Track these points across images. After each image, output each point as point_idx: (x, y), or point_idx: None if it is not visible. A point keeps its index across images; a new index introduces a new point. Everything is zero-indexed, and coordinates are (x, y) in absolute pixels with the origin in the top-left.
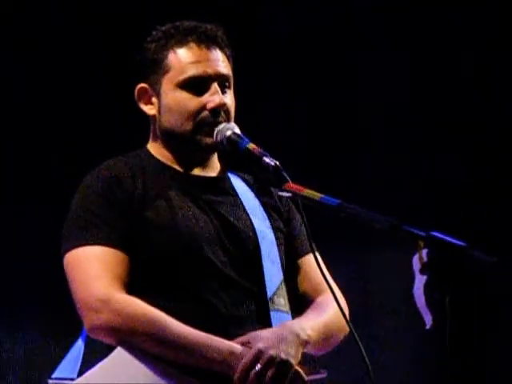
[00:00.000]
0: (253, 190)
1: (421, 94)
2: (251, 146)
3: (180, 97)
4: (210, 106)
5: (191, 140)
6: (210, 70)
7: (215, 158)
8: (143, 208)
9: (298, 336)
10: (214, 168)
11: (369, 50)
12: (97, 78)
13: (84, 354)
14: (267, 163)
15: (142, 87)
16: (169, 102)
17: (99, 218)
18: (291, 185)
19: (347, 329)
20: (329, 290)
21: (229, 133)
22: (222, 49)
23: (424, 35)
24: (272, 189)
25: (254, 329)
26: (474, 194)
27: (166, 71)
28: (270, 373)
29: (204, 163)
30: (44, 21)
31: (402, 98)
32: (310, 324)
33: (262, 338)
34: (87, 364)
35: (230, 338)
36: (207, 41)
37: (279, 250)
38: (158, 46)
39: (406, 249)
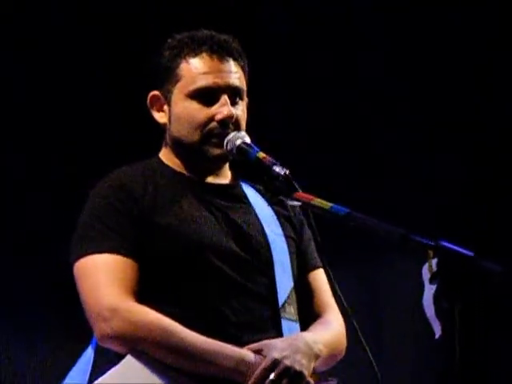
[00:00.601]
0: (265, 199)
1: (421, 93)
2: (261, 154)
3: (189, 107)
4: (218, 117)
5: (199, 150)
6: (220, 82)
7: (226, 166)
8: (153, 215)
9: (311, 348)
10: (225, 176)
11: (369, 50)
12: (97, 78)
13: (94, 361)
14: (277, 172)
15: (155, 95)
16: (178, 112)
17: (109, 227)
18: (301, 194)
19: (344, 350)
20: (335, 308)
21: (239, 142)
22: (235, 60)
23: (424, 35)
24: (283, 198)
25: (265, 337)
26: (474, 194)
27: (177, 80)
28: (284, 383)
29: (215, 172)
30: (44, 21)
31: (402, 97)
32: (322, 339)
33: (277, 347)
34: (97, 372)
35: (241, 345)
36: (220, 51)
37: (291, 259)
38: (171, 55)
39: (415, 258)
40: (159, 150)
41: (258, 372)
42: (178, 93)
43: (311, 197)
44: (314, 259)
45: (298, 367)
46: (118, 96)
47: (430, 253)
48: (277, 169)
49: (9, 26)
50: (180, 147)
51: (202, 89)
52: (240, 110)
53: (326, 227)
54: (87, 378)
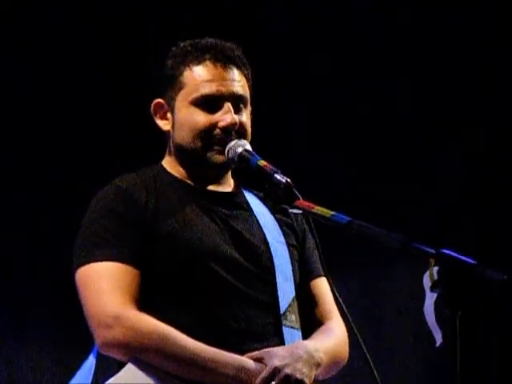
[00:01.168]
0: (268, 207)
1: (421, 93)
2: (262, 162)
3: (193, 114)
4: (221, 124)
5: (201, 157)
6: (223, 89)
7: (229, 174)
8: (155, 222)
9: (312, 357)
10: (227, 184)
11: (369, 50)
12: (97, 78)
13: (95, 369)
14: (278, 180)
15: (158, 102)
16: (181, 119)
17: (111, 234)
18: (302, 202)
19: (347, 358)
20: (337, 316)
21: (240, 149)
22: (239, 68)
23: (424, 35)
24: (284, 206)
25: (266, 344)
26: (474, 194)
27: (180, 88)
28: None
29: (217, 179)
30: (44, 21)
31: (402, 97)
32: (323, 347)
33: (278, 355)
34: (98, 380)
35: (242, 353)
36: (224, 59)
37: (293, 267)
38: (175, 62)
39: (416, 265)
40: (159, 150)
41: (258, 380)
42: (181, 100)
43: (312, 205)
44: (316, 267)
45: (298, 376)
46: (117, 96)
47: (432, 261)
48: (278, 177)
49: (9, 26)
50: (183, 154)
51: (206, 96)
52: (244, 118)
53: (327, 234)
54: None
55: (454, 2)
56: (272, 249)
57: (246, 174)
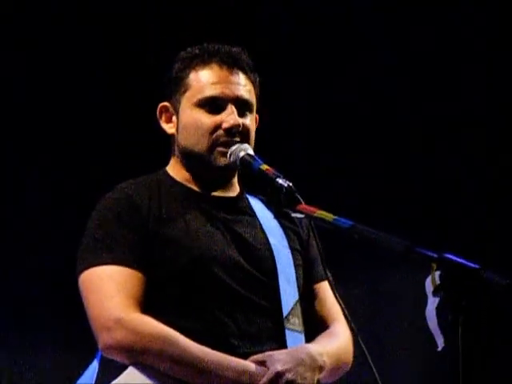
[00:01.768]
0: (271, 211)
1: (421, 93)
2: (264, 166)
3: (197, 115)
4: (224, 125)
5: (205, 159)
6: (228, 92)
7: (235, 180)
8: (159, 227)
9: (315, 360)
10: (233, 189)
11: (369, 50)
12: (97, 78)
13: (98, 373)
14: (280, 184)
15: (164, 105)
16: (186, 121)
17: (115, 238)
18: (304, 206)
19: (351, 362)
20: (341, 320)
21: (242, 154)
22: (245, 73)
23: (424, 35)
24: (286, 210)
25: (269, 348)
26: (473, 194)
27: (186, 90)
28: None
29: (222, 184)
30: (44, 21)
31: (402, 97)
32: (326, 350)
33: (279, 359)
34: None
35: (244, 356)
36: (230, 63)
37: (296, 270)
38: (181, 66)
39: (418, 269)
40: (159, 150)
41: None
42: (186, 102)
43: (314, 209)
44: (320, 271)
45: (300, 380)
46: (117, 96)
47: (434, 265)
48: (280, 181)
49: (9, 26)
50: (187, 157)
51: (210, 98)
52: (247, 121)
53: (331, 238)
54: None
55: (454, 2)
56: (275, 253)
57: (250, 178)
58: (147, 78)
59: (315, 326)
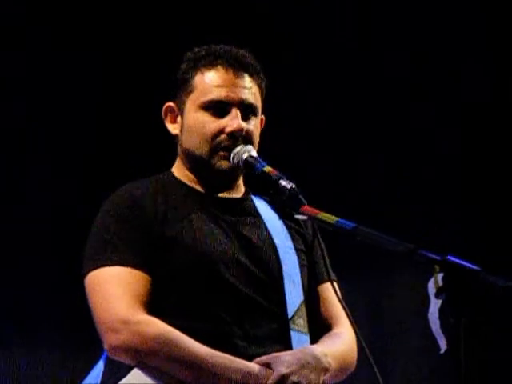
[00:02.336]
0: (276, 213)
1: (421, 93)
2: (268, 168)
3: (200, 118)
4: (227, 130)
5: (207, 163)
6: (233, 95)
7: (240, 181)
8: (164, 229)
9: (320, 362)
10: (238, 190)
11: (369, 49)
12: (97, 78)
13: (103, 375)
14: (283, 186)
15: (169, 106)
16: (190, 122)
17: (120, 240)
18: (307, 208)
19: (355, 363)
20: (345, 321)
21: (245, 155)
22: (251, 76)
23: (424, 35)
24: (289, 212)
25: (274, 349)
26: (473, 194)
27: (191, 91)
28: None
29: (227, 185)
30: (44, 21)
31: (402, 97)
32: (330, 352)
33: (284, 361)
34: None
35: (249, 358)
36: (236, 66)
37: (301, 271)
38: (187, 67)
39: (420, 271)
40: (159, 150)
41: None
42: (190, 104)
43: (317, 211)
44: (325, 272)
45: (305, 382)
46: (118, 96)
47: (436, 267)
48: (283, 182)
49: (9, 25)
50: (190, 159)
51: (215, 101)
52: (252, 126)
53: (335, 239)
54: None
55: (454, 2)
56: (280, 254)
57: (255, 179)
58: (154, 77)
59: (319, 327)
